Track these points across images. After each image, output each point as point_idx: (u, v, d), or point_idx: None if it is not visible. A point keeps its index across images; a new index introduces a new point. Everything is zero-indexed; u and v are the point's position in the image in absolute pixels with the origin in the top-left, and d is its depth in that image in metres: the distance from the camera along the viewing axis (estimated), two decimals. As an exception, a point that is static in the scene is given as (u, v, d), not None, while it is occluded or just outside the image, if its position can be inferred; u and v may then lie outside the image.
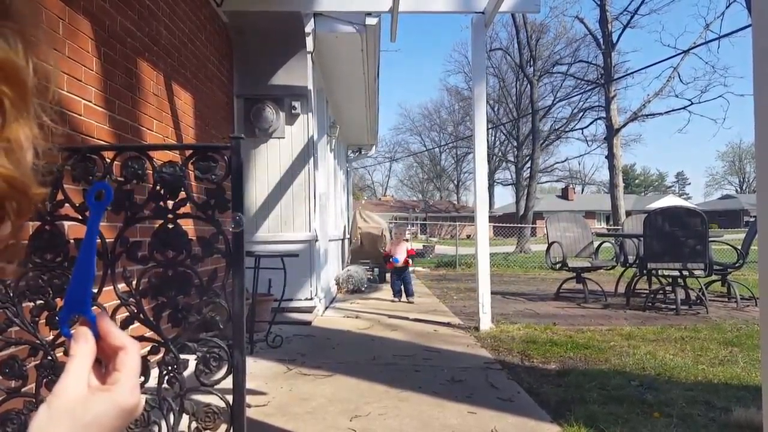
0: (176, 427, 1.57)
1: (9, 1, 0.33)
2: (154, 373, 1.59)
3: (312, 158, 5.30)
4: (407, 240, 7.31)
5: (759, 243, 1.44)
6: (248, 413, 1.83)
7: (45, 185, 0.37)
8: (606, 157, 19.89)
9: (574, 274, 6.97)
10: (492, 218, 29.84)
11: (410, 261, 7.14)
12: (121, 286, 1.62)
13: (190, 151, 1.66)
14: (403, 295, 6.63)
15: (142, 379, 1.61)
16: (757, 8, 1.46)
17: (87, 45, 2.61)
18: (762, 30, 1.42)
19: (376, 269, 8.68)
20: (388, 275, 9.22)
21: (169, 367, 1.59)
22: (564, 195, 55.58)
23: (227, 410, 1.57)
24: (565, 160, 42.52)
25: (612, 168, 19.01)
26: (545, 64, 25.48)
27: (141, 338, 1.64)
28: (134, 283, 1.61)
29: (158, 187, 1.61)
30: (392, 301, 6.56)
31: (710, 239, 5.81)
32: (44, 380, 1.59)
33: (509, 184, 40.57)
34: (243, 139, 1.61)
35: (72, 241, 1.63)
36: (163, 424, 1.57)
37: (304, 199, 5.26)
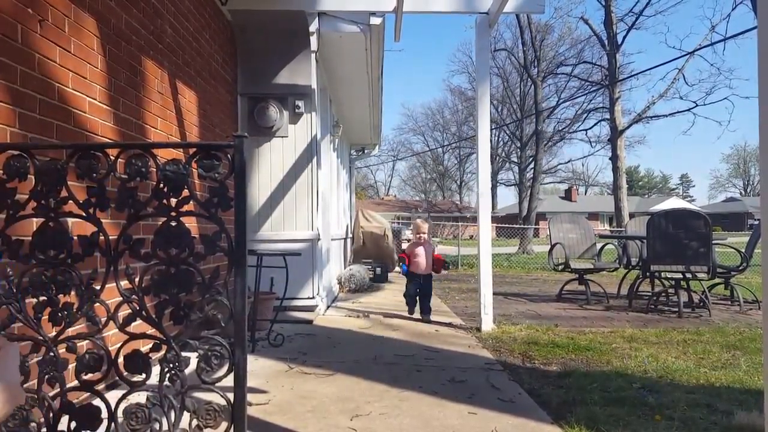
0: (177, 425, 1.58)
1: None
2: (156, 370, 1.59)
3: (315, 157, 5.30)
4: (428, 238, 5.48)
5: (762, 246, 1.44)
6: (249, 411, 1.83)
7: None
8: (610, 159, 19.83)
9: (577, 276, 6.96)
10: (495, 219, 29.84)
11: (445, 266, 5.32)
12: (124, 284, 1.62)
13: (194, 149, 1.66)
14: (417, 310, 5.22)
15: (144, 375, 1.61)
16: (763, 10, 1.45)
17: (92, 43, 2.62)
18: (768, 32, 1.42)
19: (378, 269, 8.68)
20: (390, 275, 9.22)
21: (171, 365, 1.59)
22: (567, 196, 55.50)
23: (228, 408, 1.57)
24: (568, 161, 42.43)
25: (615, 169, 18.95)
26: (549, 65, 25.43)
27: (143, 335, 1.65)
28: (137, 280, 1.61)
29: (161, 185, 1.61)
30: (408, 316, 5.16)
31: (714, 242, 5.79)
32: (46, 376, 1.60)
33: (512, 185, 40.56)
34: (246, 137, 1.62)
35: (75, 237, 1.64)
36: (164, 421, 1.57)
37: (307, 198, 5.26)
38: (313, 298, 5.18)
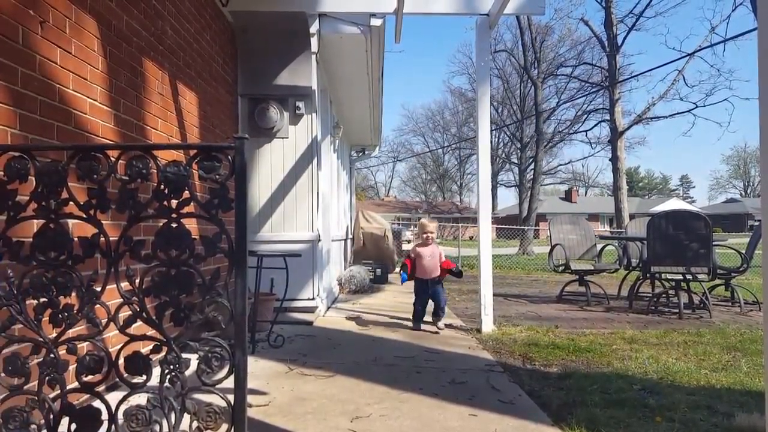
0: (177, 427, 1.58)
1: None
2: (156, 372, 1.59)
3: (315, 158, 5.30)
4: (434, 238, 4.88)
5: (763, 247, 1.44)
6: (249, 413, 1.83)
7: None
8: (610, 160, 19.85)
9: (577, 277, 6.96)
10: (495, 220, 29.87)
11: (451, 266, 4.82)
12: (124, 285, 1.62)
13: (195, 151, 1.66)
14: (424, 318, 4.74)
15: (144, 377, 1.61)
16: (763, 11, 1.46)
17: (93, 44, 2.63)
18: (768, 34, 1.42)
19: (378, 270, 8.68)
20: (390, 276, 9.21)
21: (171, 366, 1.59)
22: (567, 197, 55.53)
23: (228, 410, 1.57)
24: (568, 162, 42.50)
25: (616, 170, 18.97)
26: (550, 66, 25.48)
27: (143, 337, 1.64)
28: (137, 281, 1.61)
29: (162, 186, 1.61)
30: (413, 328, 4.62)
31: (714, 243, 5.79)
32: (46, 378, 1.59)
33: (512, 186, 40.63)
34: (247, 139, 1.62)
35: (76, 239, 1.64)
36: (165, 423, 1.57)
37: (307, 199, 5.26)
38: (313, 299, 5.17)
